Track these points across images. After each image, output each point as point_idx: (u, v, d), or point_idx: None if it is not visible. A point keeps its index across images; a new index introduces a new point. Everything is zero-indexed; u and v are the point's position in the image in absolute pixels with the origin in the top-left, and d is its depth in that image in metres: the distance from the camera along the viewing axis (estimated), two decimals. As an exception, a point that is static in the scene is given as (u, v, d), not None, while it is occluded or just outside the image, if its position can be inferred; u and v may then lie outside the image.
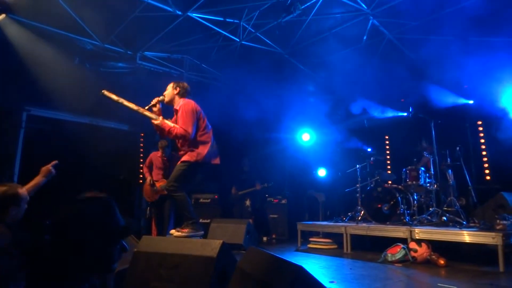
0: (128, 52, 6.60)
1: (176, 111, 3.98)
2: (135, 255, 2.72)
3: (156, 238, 2.99)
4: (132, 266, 2.67)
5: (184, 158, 3.90)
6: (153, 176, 5.95)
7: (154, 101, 4.03)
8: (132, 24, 5.69)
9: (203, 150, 3.91)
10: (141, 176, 7.67)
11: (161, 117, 3.93)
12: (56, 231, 1.35)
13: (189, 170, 3.87)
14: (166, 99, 4.06)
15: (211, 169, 4.07)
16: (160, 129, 3.92)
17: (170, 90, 4.09)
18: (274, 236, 7.67)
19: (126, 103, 3.91)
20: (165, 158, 6.01)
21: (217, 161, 4.06)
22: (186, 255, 2.54)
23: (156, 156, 6.08)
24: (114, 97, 3.91)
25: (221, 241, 2.50)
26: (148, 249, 2.75)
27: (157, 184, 5.86)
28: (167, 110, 4.13)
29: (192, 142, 3.90)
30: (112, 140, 7.01)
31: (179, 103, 4.01)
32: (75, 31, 5.76)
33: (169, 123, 3.91)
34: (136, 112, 3.95)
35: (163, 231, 5.80)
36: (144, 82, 6.85)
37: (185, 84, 4.16)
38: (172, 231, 3.87)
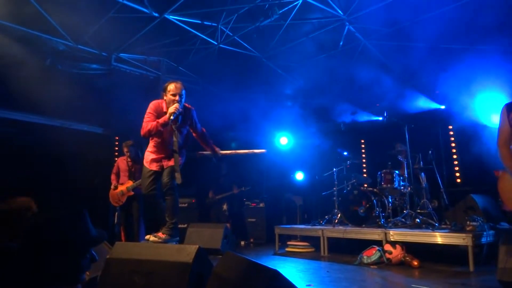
0: (103, 53, 6.45)
1: (189, 116, 3.96)
2: (108, 262, 2.63)
3: (129, 244, 2.90)
4: (104, 273, 2.58)
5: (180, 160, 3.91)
6: (119, 181, 5.91)
7: (173, 111, 3.70)
8: (107, 25, 5.55)
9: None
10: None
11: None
12: (25, 239, 1.29)
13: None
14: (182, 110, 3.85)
15: None
16: None
17: (185, 98, 3.88)
18: (252, 240, 7.64)
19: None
20: (130, 159, 5.95)
21: None
22: (161, 261, 2.48)
23: (121, 160, 6.08)
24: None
25: (197, 246, 2.46)
26: (121, 256, 2.67)
27: (123, 186, 5.78)
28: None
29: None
30: (85, 144, 6.80)
31: (186, 107, 3.96)
32: (46, 31, 5.57)
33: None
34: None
35: (134, 236, 5.69)
36: (119, 84, 6.70)
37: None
38: (148, 237, 3.77)
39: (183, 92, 3.86)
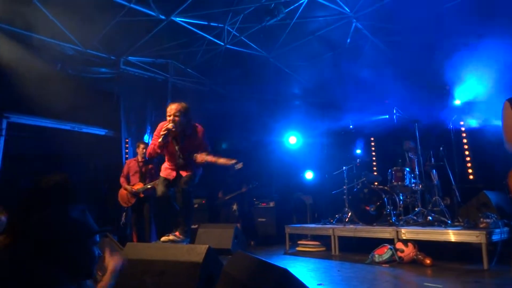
0: (111, 57, 6.52)
1: (188, 135, 4.01)
2: (119, 263, 2.66)
3: (141, 245, 2.93)
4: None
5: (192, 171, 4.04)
6: (130, 182, 5.95)
7: (164, 132, 3.77)
8: (115, 29, 5.63)
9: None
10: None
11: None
12: (29, 238, 1.31)
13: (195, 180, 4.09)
14: (179, 129, 3.86)
15: None
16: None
17: (181, 119, 3.85)
18: (262, 240, 7.63)
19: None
20: (141, 159, 5.98)
21: None
22: (171, 261, 2.50)
23: (131, 161, 6.10)
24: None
25: (207, 246, 2.47)
26: (132, 256, 2.69)
27: (134, 187, 5.82)
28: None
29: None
30: (96, 146, 6.88)
31: (189, 127, 4.01)
32: (56, 36, 5.66)
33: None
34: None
35: (145, 237, 5.73)
36: (128, 87, 6.77)
37: (188, 106, 4.03)
38: (165, 238, 3.87)
39: (179, 112, 3.84)
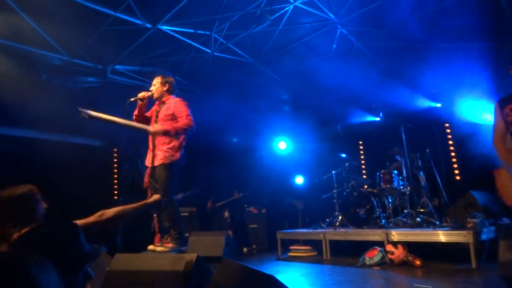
0: (98, 66, 6.48)
1: (164, 107, 4.03)
2: (108, 275, 2.63)
3: (130, 256, 2.90)
4: (105, 285, 2.59)
5: (160, 161, 3.82)
6: None
7: (141, 95, 3.98)
8: (101, 38, 5.60)
9: (179, 151, 3.90)
10: (116, 192, 7.50)
11: (154, 125, 3.89)
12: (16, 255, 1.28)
13: (172, 173, 3.83)
14: (156, 95, 4.05)
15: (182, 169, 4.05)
16: (161, 134, 3.83)
17: (158, 86, 4.08)
18: (254, 246, 7.62)
19: (114, 119, 3.77)
20: None
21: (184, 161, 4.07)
22: (160, 271, 2.48)
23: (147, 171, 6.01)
24: (103, 116, 3.73)
25: (196, 254, 2.46)
26: (121, 267, 2.67)
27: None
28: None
29: (172, 140, 3.87)
30: (85, 157, 6.82)
31: (168, 99, 4.00)
32: (41, 46, 5.61)
33: (161, 125, 3.85)
34: (126, 126, 3.86)
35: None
36: (116, 96, 6.72)
37: (172, 79, 4.19)
38: (151, 247, 3.77)
39: (156, 81, 4.18)
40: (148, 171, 4.01)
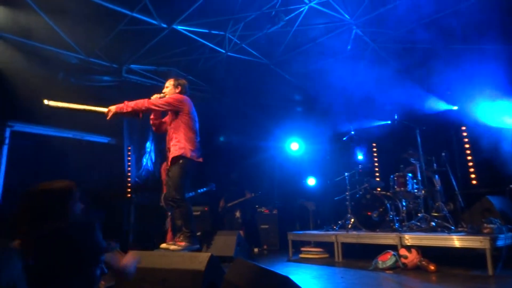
0: (114, 65, 6.57)
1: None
2: (121, 271, 2.65)
3: (143, 253, 2.93)
4: (118, 283, 2.61)
5: (172, 158, 3.85)
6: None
7: (154, 98, 4.00)
8: (118, 37, 5.68)
9: (192, 149, 3.90)
10: (129, 190, 7.58)
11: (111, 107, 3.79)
12: (35, 253, 1.30)
13: (183, 171, 3.83)
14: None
15: (197, 168, 4.05)
16: (127, 114, 3.82)
17: (171, 89, 4.10)
18: (265, 247, 7.60)
19: (73, 106, 3.71)
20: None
21: (200, 159, 4.04)
22: (174, 270, 2.49)
23: (163, 168, 6.06)
24: (61, 104, 3.68)
25: (209, 254, 2.47)
26: (135, 265, 2.69)
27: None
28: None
29: (181, 137, 3.89)
30: (99, 155, 6.91)
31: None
32: (59, 45, 5.71)
33: (123, 104, 3.77)
34: (85, 112, 3.82)
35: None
36: (131, 95, 6.79)
37: (185, 82, 4.20)
38: (164, 245, 3.80)
39: (169, 83, 4.23)
40: (164, 166, 4.06)
